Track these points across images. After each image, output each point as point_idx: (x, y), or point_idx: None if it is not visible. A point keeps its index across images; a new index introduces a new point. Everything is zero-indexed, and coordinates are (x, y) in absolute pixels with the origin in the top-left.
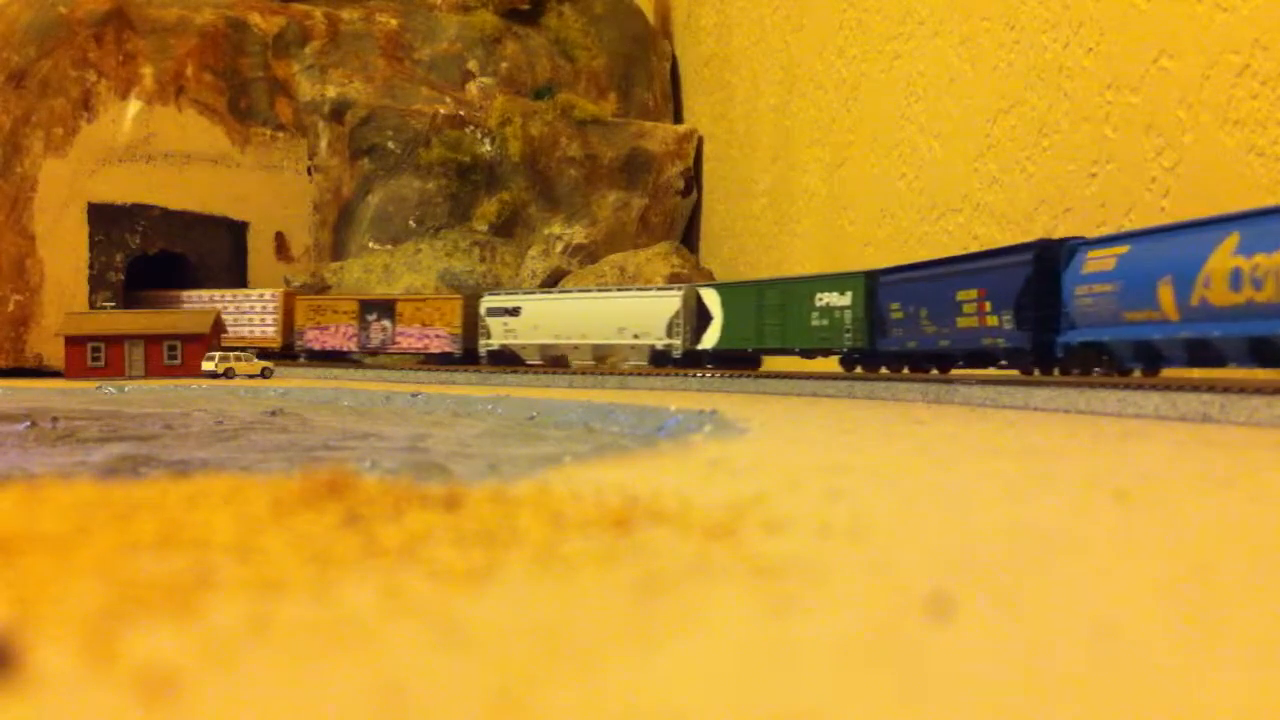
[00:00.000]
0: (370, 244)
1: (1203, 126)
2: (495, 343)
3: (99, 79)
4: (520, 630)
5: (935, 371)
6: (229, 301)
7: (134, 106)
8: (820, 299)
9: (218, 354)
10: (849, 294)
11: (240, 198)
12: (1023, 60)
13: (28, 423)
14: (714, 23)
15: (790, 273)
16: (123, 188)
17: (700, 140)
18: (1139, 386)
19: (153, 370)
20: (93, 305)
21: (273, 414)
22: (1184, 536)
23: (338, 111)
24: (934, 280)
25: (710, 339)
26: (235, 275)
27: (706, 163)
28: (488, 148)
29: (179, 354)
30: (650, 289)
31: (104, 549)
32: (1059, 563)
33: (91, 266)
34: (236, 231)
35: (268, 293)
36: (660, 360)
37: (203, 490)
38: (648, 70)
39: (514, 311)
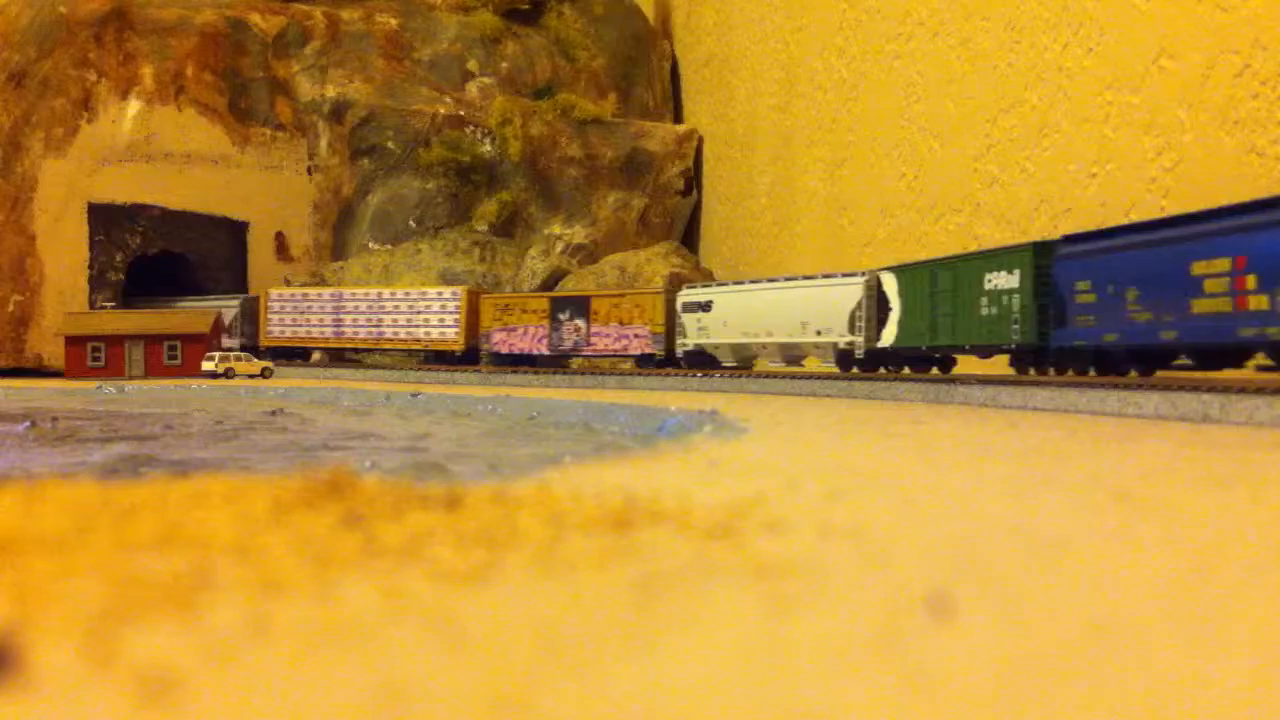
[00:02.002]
0: (370, 244)
1: (1203, 126)
2: (690, 342)
3: (99, 79)
4: (520, 630)
5: (1134, 374)
6: (400, 300)
7: (134, 106)
8: (989, 281)
9: (218, 354)
10: (1016, 273)
11: (240, 198)
12: (1023, 60)
13: (28, 423)
14: (714, 23)
15: (791, 272)
16: (123, 188)
17: (700, 140)
18: (1139, 386)
19: (153, 370)
20: (93, 305)
21: (273, 414)
22: (1184, 537)
23: (338, 111)
24: (1152, 247)
25: (888, 335)
26: (235, 275)
27: (706, 163)
28: (488, 148)
29: (179, 354)
30: (835, 276)
31: (104, 549)
32: (1059, 563)
33: (91, 266)
34: (236, 231)
35: (447, 290)
36: (846, 362)
37: (203, 490)
38: (648, 70)
39: (706, 306)
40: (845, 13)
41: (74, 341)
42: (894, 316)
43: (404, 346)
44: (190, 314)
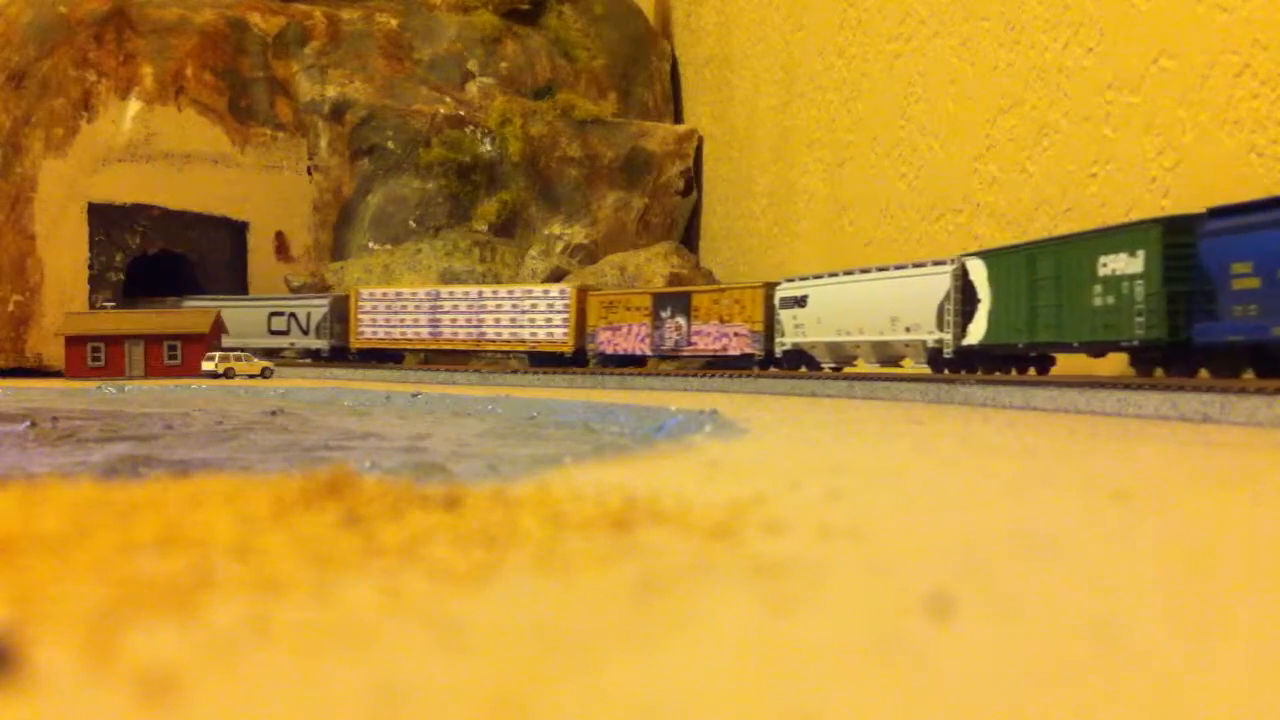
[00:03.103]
0: (370, 244)
1: (1203, 126)
2: (788, 341)
3: (99, 79)
4: (520, 630)
5: None
6: (503, 299)
7: (134, 106)
8: (1104, 265)
9: (218, 354)
10: (1140, 254)
11: (240, 198)
12: (1023, 60)
13: (28, 423)
14: (714, 23)
15: (792, 273)
16: (123, 188)
17: (700, 140)
18: (1139, 386)
19: (153, 370)
20: (93, 305)
21: (273, 414)
22: (1184, 536)
23: (338, 111)
24: None
25: (976, 331)
26: (235, 275)
27: (706, 163)
28: (488, 148)
29: (179, 354)
30: (925, 264)
31: (104, 549)
32: (1059, 563)
33: (91, 266)
34: (236, 231)
35: (554, 289)
36: (937, 362)
37: (203, 490)
38: (648, 70)
39: (801, 301)
40: (845, 13)
41: (74, 341)
42: (983, 309)
43: (507, 348)
44: (191, 314)
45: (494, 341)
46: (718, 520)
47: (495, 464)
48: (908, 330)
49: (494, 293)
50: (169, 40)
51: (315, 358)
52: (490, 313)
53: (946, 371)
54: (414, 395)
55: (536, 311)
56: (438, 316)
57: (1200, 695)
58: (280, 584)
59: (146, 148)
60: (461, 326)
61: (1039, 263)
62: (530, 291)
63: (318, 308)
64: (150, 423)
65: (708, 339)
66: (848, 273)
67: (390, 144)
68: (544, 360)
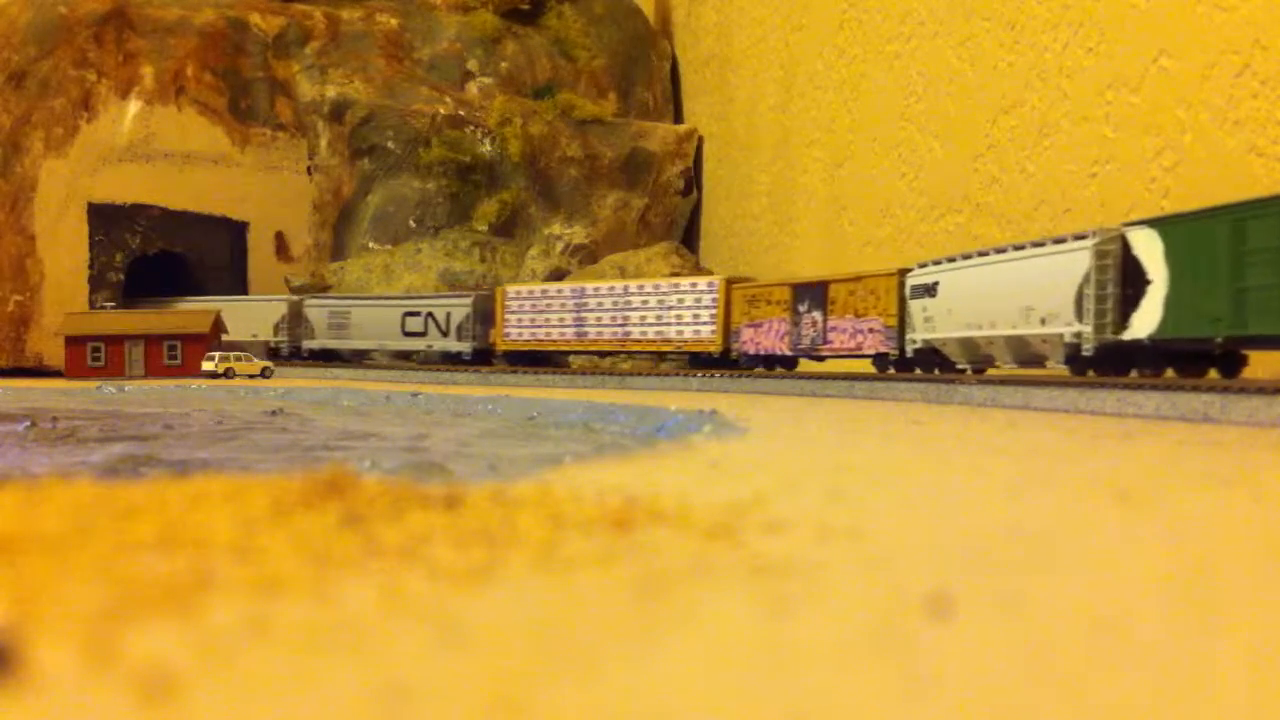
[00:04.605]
0: (370, 244)
1: (1203, 126)
2: (918, 336)
3: (99, 79)
4: (520, 630)
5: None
6: (649, 294)
7: (134, 106)
8: None
9: (218, 354)
10: None
11: (240, 198)
12: (1023, 60)
13: (28, 423)
14: (714, 23)
15: (791, 273)
16: (123, 188)
17: (700, 140)
18: (1139, 386)
19: (153, 370)
20: (93, 305)
21: (273, 414)
22: (1185, 536)
23: (338, 111)
24: None
25: (1146, 320)
26: (235, 275)
27: (706, 163)
28: (488, 148)
29: (179, 354)
30: (1065, 239)
31: (104, 549)
32: (1059, 563)
33: (91, 266)
34: (236, 231)
35: (703, 281)
36: (1077, 361)
37: (203, 490)
38: (648, 70)
39: (931, 290)
40: (845, 13)
41: (74, 341)
42: (1156, 293)
43: (653, 348)
44: (191, 314)
45: (639, 341)
46: (717, 520)
47: (495, 464)
48: (1043, 323)
49: (639, 288)
50: (169, 40)
51: (455, 361)
52: (635, 310)
53: (1092, 373)
54: (414, 395)
55: (684, 308)
56: (583, 315)
57: (1201, 694)
58: (280, 584)
59: (146, 148)
60: (606, 326)
61: (1252, 229)
62: (677, 285)
63: (459, 307)
64: (150, 423)
65: (843, 336)
66: (981, 254)
67: (390, 144)
68: (694, 362)
